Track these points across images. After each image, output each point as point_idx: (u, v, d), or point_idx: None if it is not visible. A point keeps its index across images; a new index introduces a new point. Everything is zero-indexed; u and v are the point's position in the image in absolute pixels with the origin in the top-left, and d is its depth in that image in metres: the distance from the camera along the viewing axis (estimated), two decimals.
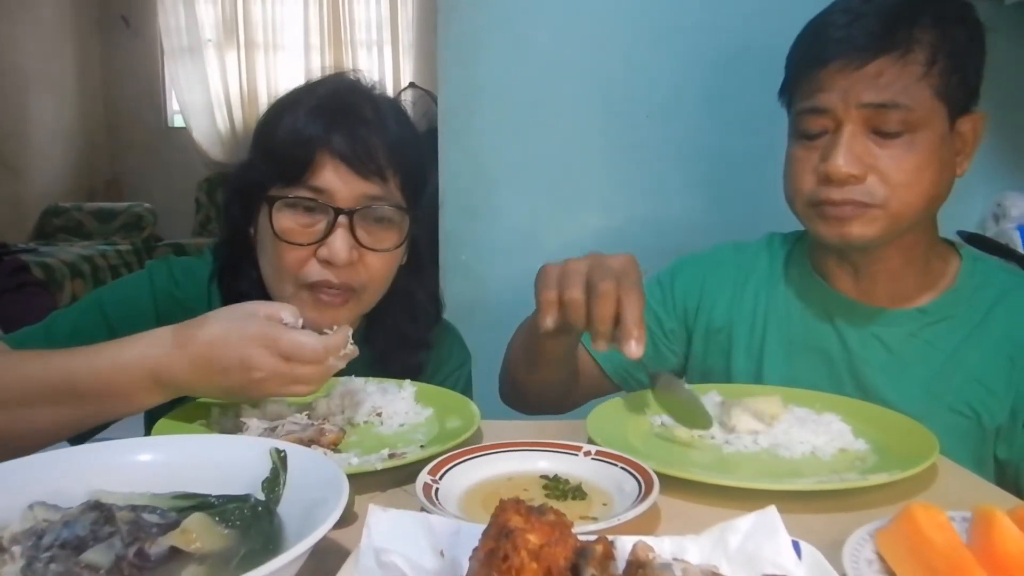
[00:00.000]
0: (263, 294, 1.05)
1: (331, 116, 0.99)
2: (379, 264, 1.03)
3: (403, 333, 1.14)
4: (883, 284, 1.08)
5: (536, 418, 1.21)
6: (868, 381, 1.07)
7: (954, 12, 1.00)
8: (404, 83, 5.43)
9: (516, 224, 1.91)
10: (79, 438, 0.88)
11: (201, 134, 6.35)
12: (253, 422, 0.86)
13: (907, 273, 1.07)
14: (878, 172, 0.98)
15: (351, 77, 1.08)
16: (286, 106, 1.03)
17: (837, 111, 0.99)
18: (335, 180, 0.98)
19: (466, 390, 1.26)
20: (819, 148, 1.02)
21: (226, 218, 1.10)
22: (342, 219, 0.98)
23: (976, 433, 1.02)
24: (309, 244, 0.98)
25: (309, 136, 0.98)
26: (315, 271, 0.99)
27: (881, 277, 1.07)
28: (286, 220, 0.99)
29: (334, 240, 0.97)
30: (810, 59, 1.02)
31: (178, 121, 6.60)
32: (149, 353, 0.79)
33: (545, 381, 1.13)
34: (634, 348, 0.81)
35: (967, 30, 1.00)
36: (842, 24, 0.99)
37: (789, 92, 1.09)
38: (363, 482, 0.73)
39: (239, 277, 1.08)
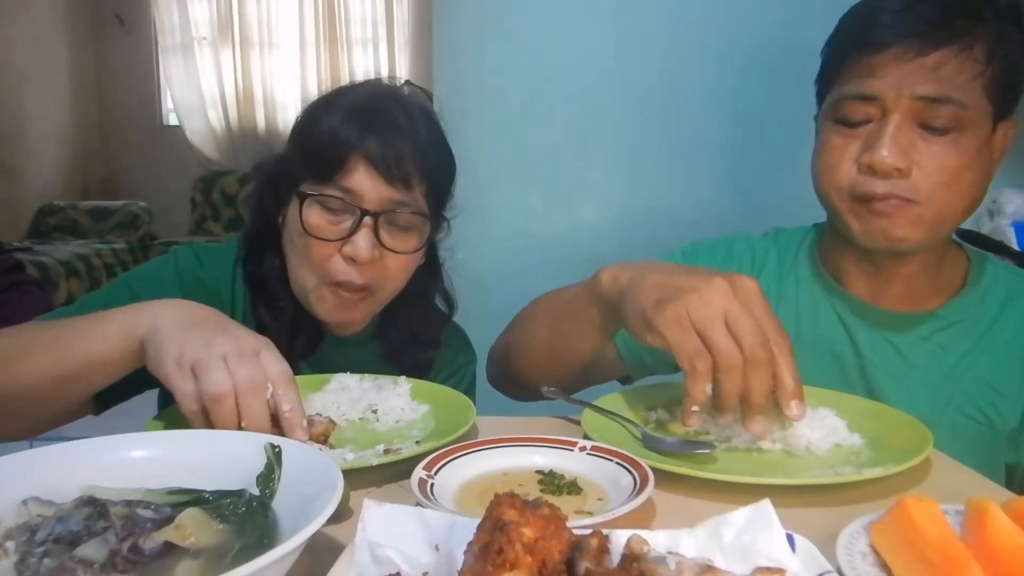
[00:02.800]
0: (284, 282, 1.10)
1: (367, 121, 1.02)
2: (398, 265, 1.07)
3: (414, 331, 1.18)
4: (899, 287, 1.06)
5: (531, 414, 1.21)
6: (878, 385, 1.06)
7: (1009, 11, 0.96)
8: (399, 81, 5.40)
9: (511, 221, 1.92)
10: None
11: (195, 133, 6.33)
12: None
13: (923, 277, 1.05)
14: (922, 168, 0.94)
15: (389, 83, 1.13)
16: (324, 106, 1.08)
17: (887, 100, 0.94)
18: (365, 183, 1.01)
19: (470, 388, 1.28)
20: (860, 137, 0.97)
21: (256, 205, 1.14)
22: (367, 220, 1.02)
23: (988, 437, 1.01)
24: (335, 240, 1.02)
25: (344, 138, 1.02)
26: (340, 269, 1.03)
27: (899, 280, 1.05)
28: (315, 216, 1.03)
29: (358, 239, 1.01)
30: (860, 43, 0.97)
31: (172, 119, 6.57)
32: (132, 308, 0.84)
33: (564, 368, 1.07)
34: (795, 410, 0.77)
35: (1020, 31, 0.96)
36: (897, 9, 0.94)
37: (827, 77, 1.04)
38: (359, 478, 0.73)
39: (263, 263, 1.11)
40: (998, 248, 1.65)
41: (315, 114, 1.08)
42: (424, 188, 1.07)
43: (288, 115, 6.20)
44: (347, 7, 6.14)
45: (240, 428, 0.75)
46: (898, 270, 1.05)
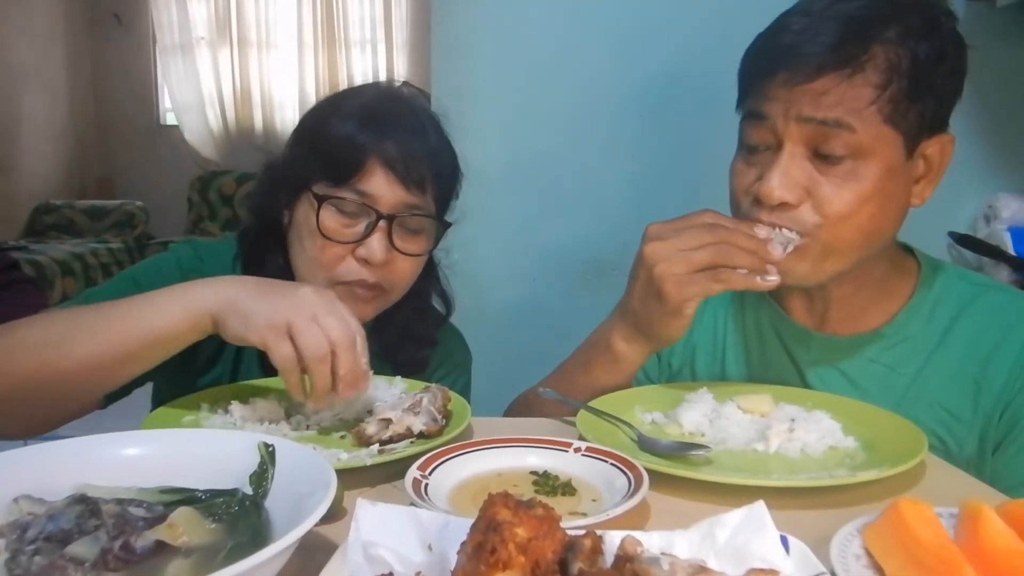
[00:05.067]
0: (290, 280, 1.08)
1: (384, 124, 1.03)
2: (408, 266, 1.08)
3: (411, 329, 1.19)
4: (839, 311, 1.02)
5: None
6: None
7: (925, 25, 0.89)
8: (397, 82, 5.38)
9: (508, 223, 1.91)
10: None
11: (193, 132, 6.32)
12: (237, 412, 0.87)
13: (865, 295, 1.01)
14: (815, 199, 0.90)
15: (393, 86, 1.14)
16: (333, 109, 1.08)
17: (777, 123, 0.91)
18: (382, 186, 1.02)
19: (466, 388, 1.29)
20: (758, 165, 0.94)
21: (258, 205, 1.14)
22: (382, 223, 1.03)
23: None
24: (348, 243, 1.03)
25: (362, 142, 1.02)
26: (352, 269, 1.04)
27: (836, 304, 1.01)
28: (330, 219, 1.03)
29: (372, 242, 1.02)
30: (758, 67, 0.95)
31: (170, 119, 6.56)
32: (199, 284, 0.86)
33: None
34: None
35: (938, 47, 0.89)
36: (795, 30, 0.90)
37: (738, 100, 1.01)
38: (353, 478, 0.73)
39: (264, 263, 1.11)
40: (994, 253, 1.66)
41: (325, 117, 1.08)
42: (434, 191, 1.08)
43: (286, 115, 6.20)
44: (345, 8, 6.14)
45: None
46: (831, 294, 1.01)
